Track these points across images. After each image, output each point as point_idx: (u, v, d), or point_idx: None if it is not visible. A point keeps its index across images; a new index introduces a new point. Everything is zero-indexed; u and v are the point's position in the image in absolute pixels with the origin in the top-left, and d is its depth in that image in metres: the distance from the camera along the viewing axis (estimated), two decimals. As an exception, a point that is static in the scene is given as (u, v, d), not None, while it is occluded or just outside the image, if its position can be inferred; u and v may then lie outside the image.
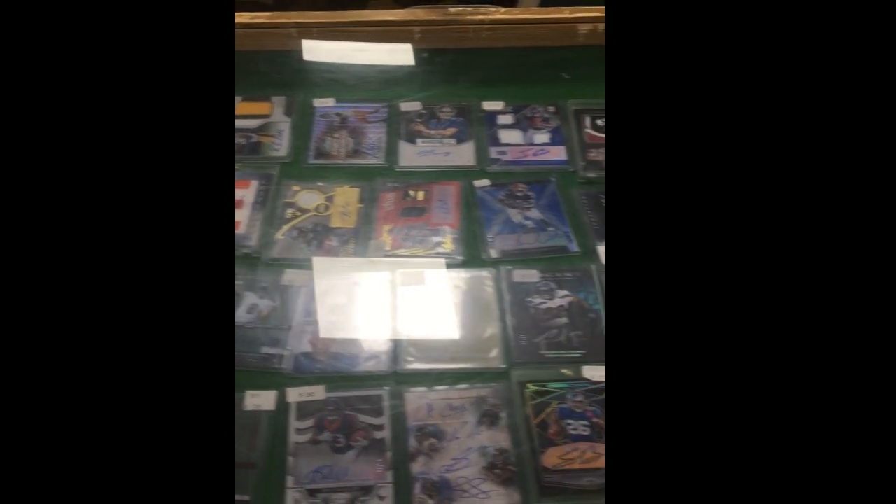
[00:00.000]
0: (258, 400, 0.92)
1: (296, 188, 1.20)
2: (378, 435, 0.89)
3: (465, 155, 1.27)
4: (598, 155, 1.25)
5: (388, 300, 1.04)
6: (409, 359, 0.97)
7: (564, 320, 1.02)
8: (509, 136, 1.30)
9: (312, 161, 1.25)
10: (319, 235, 1.13)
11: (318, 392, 0.93)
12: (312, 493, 0.83)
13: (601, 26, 1.30)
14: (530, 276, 1.08)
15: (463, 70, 1.40)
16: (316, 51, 1.37)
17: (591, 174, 1.22)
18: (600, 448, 0.87)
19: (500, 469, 0.86)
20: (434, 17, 1.29)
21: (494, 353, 0.98)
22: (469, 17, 1.29)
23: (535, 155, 1.27)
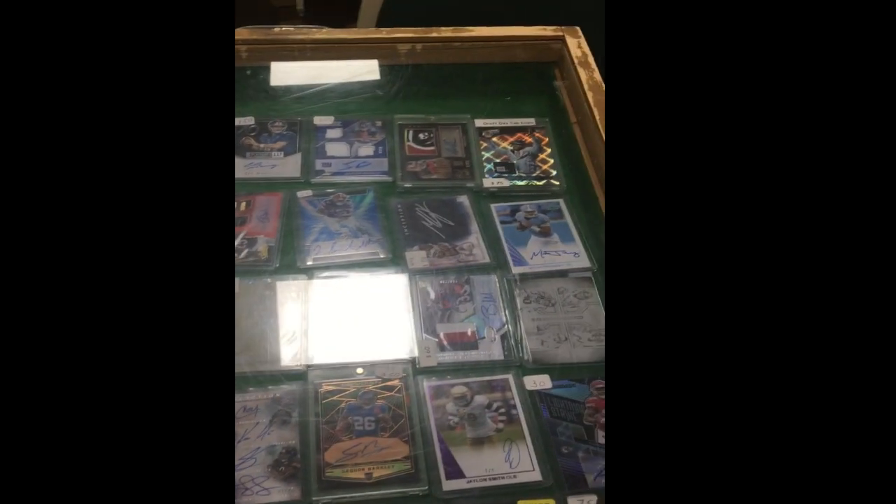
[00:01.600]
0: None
1: (114, 201, 1.21)
2: (169, 440, 0.91)
3: (291, 167, 1.32)
4: (416, 166, 1.32)
5: (197, 309, 1.07)
6: (209, 365, 1.00)
7: (366, 323, 1.08)
8: (336, 150, 1.35)
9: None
10: (133, 248, 1.15)
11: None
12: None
13: (419, 46, 1.37)
14: (341, 280, 1.13)
15: (296, 88, 1.44)
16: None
17: (408, 184, 1.29)
18: (383, 442, 0.93)
19: (284, 466, 0.90)
20: (258, 37, 1.33)
21: (294, 356, 1.02)
22: (293, 36, 1.34)
23: (357, 167, 1.33)
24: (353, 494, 0.87)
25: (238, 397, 0.96)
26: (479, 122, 1.41)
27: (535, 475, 0.90)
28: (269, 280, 1.12)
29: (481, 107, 1.43)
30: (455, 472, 0.90)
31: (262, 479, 0.88)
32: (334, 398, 0.97)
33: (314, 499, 0.87)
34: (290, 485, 0.88)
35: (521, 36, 1.43)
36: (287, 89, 1.44)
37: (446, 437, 0.94)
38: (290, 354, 1.02)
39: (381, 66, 1.43)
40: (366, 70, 1.46)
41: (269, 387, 0.98)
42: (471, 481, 0.89)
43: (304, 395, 0.97)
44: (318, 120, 1.40)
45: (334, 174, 1.31)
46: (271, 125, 1.39)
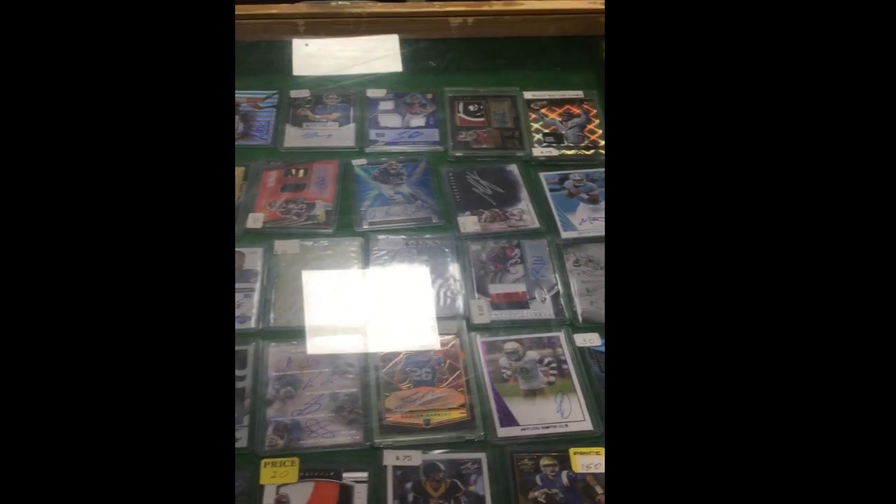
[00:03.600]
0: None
1: (181, 167, 1.28)
2: (239, 385, 0.97)
3: (346, 137, 1.36)
4: (467, 136, 1.36)
5: (260, 267, 1.13)
6: (273, 317, 1.06)
7: (422, 284, 1.12)
8: (388, 121, 1.40)
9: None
10: (200, 210, 1.21)
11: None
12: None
13: (470, 19, 1.40)
14: (395, 244, 1.18)
15: (349, 61, 1.49)
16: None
17: (459, 153, 1.33)
18: (439, 391, 0.97)
19: (347, 412, 0.95)
20: (315, 11, 1.38)
21: (353, 313, 1.07)
22: (348, 10, 1.38)
23: (410, 137, 1.37)
24: (413, 438, 0.92)
25: (301, 348, 1.02)
26: (528, 94, 1.43)
27: (586, 425, 0.94)
28: (326, 242, 1.17)
29: (530, 79, 1.46)
30: (509, 420, 0.94)
31: (326, 423, 0.94)
32: (391, 350, 1.02)
33: (376, 441, 0.92)
34: (352, 429, 0.93)
35: (571, 10, 1.45)
36: (341, 63, 1.49)
37: (500, 388, 0.98)
38: (348, 311, 1.07)
39: (432, 39, 1.47)
40: (416, 44, 1.49)
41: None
42: (524, 429, 0.93)
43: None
44: (371, 92, 1.44)
45: (387, 144, 1.36)
46: (326, 97, 1.44)
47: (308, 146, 1.34)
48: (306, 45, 1.46)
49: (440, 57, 1.48)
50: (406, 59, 1.48)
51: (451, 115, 1.40)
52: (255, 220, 1.20)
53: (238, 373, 0.99)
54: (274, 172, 1.28)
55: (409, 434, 0.93)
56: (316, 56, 1.49)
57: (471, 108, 1.42)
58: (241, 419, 0.94)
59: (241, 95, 1.42)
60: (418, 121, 1.40)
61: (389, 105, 1.43)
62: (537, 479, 0.88)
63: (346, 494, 0.87)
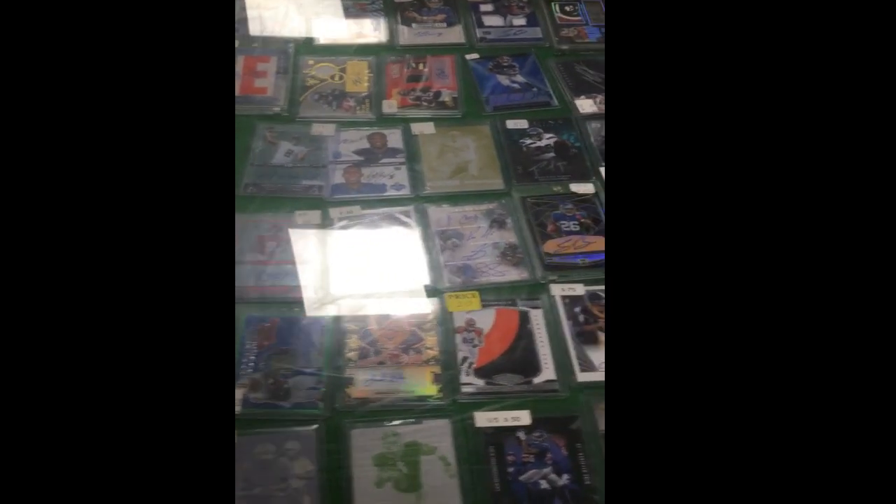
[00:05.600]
0: (306, 218, 1.10)
1: (311, 62, 1.37)
2: (409, 237, 1.09)
3: (455, 35, 1.46)
4: (569, 32, 1.46)
5: (404, 145, 1.23)
6: (428, 185, 1.16)
7: (551, 154, 1.23)
8: (491, 21, 1.49)
9: (323, 41, 1.43)
10: (338, 98, 1.31)
11: (355, 211, 1.12)
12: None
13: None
14: (521, 124, 1.28)
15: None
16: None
17: (564, 47, 1.43)
18: (589, 238, 1.09)
19: (510, 256, 1.07)
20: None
21: (497, 179, 1.18)
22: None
23: (514, 34, 1.47)
24: (572, 271, 1.05)
25: (458, 209, 1.13)
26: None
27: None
28: (453, 131, 1.27)
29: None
30: (656, 258, 1.07)
31: (494, 265, 1.05)
32: (539, 208, 1.13)
33: (541, 275, 1.04)
34: (518, 268, 1.05)
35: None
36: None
37: (641, 235, 1.10)
38: (494, 180, 1.18)
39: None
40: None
41: (485, 202, 1.14)
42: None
43: (513, 205, 1.14)
44: (471, -4, 1.54)
45: (494, 40, 1.45)
46: (428, 1, 1.53)
47: (422, 43, 1.44)
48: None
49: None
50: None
51: (550, 14, 1.50)
52: (389, 107, 1.30)
53: (406, 227, 1.10)
54: (396, 66, 1.38)
55: (569, 269, 1.05)
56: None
57: (567, 8, 1.51)
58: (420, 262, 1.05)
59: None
60: (520, 20, 1.49)
61: (489, 7, 1.52)
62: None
63: (524, 318, 0.99)
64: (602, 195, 1.16)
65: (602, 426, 0.88)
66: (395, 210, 1.13)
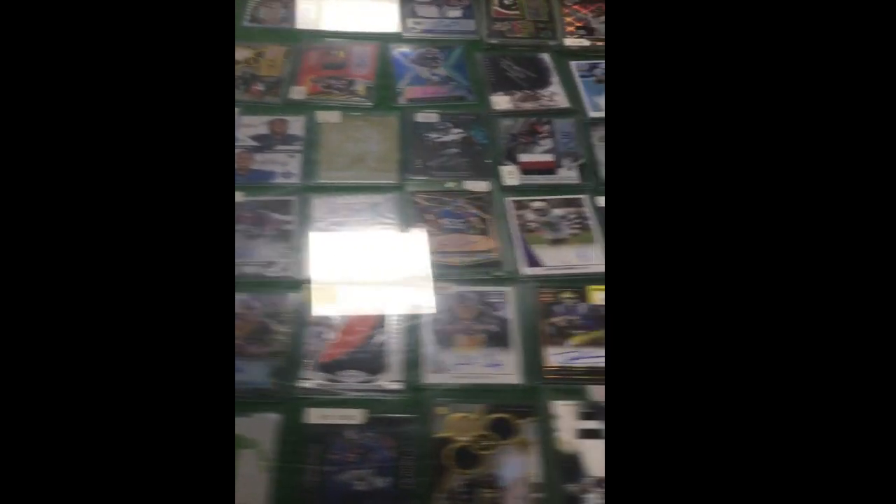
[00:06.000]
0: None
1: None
2: (286, 227, 1.06)
3: (387, 23, 1.42)
4: (502, 26, 1.41)
5: (305, 133, 1.20)
6: (322, 174, 1.13)
7: (455, 150, 1.19)
8: (425, 11, 1.45)
9: (247, 24, 1.40)
10: (248, 81, 1.28)
11: (238, 197, 1.10)
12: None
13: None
14: (431, 117, 1.24)
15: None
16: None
17: (493, 41, 1.39)
18: (472, 238, 1.05)
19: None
20: None
21: (393, 173, 1.15)
22: None
23: (447, 27, 1.42)
24: (447, 270, 1.01)
25: (348, 200, 1.10)
26: (561, -8, 1.48)
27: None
28: (359, 115, 1.24)
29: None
30: (534, 262, 1.02)
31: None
32: (429, 204, 1.10)
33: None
34: (390, 264, 1.02)
35: None
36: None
37: (527, 237, 1.05)
38: (389, 173, 1.15)
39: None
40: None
41: (376, 194, 1.11)
42: (548, 269, 1.01)
43: (402, 201, 1.10)
44: (408, -15, 1.50)
45: (424, 31, 1.42)
46: (365, -11, 1.50)
47: (348, 30, 1.41)
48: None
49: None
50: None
51: (487, 7, 1.45)
52: (298, 93, 1.27)
53: (284, 218, 1.07)
54: (315, 52, 1.35)
55: (447, 269, 1.01)
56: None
57: (506, 1, 1.47)
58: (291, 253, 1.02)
59: (283, -14, 1.49)
60: (455, 12, 1.45)
61: (426, -4, 1.49)
62: (558, 308, 0.96)
63: (382, 315, 0.96)
64: (496, 194, 1.11)
65: (437, 429, 0.84)
66: (279, 198, 1.10)
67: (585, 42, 1.38)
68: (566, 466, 0.81)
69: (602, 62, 1.35)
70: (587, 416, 0.85)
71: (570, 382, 0.89)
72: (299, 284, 0.98)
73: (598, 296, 0.97)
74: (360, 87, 1.29)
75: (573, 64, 1.35)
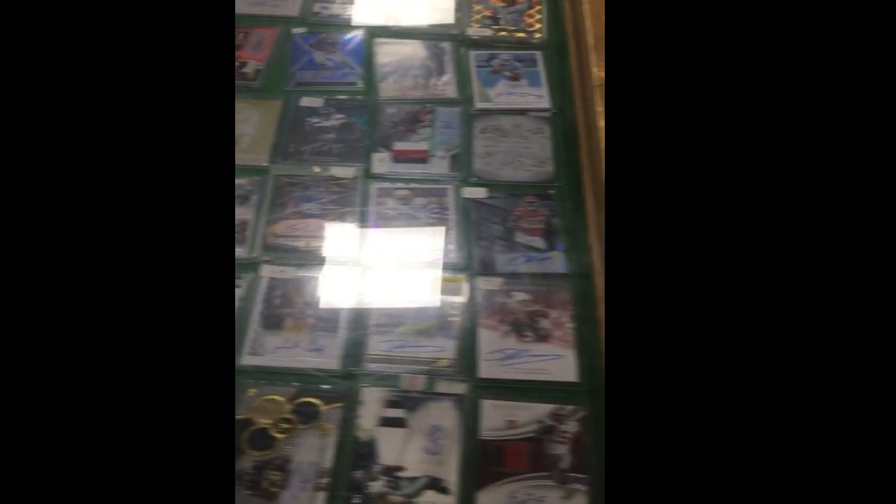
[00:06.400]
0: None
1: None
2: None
3: (290, 7, 1.42)
4: (406, 13, 1.41)
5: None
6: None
7: (332, 135, 1.19)
8: (333, -4, 1.45)
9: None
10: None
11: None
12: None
13: None
14: (316, 102, 1.24)
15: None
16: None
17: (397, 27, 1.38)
18: (328, 223, 1.05)
19: (237, 234, 1.04)
20: None
21: (264, 155, 1.15)
22: None
23: (353, 13, 1.42)
24: (291, 254, 1.01)
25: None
26: (474, -21, 1.46)
27: (454, 258, 1.01)
28: (243, 103, 1.24)
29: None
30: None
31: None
32: (288, 188, 1.10)
33: (257, 255, 1.01)
34: (239, 246, 1.02)
35: None
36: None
37: (384, 223, 1.06)
38: (260, 156, 1.15)
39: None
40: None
41: (241, 177, 1.11)
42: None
43: (264, 183, 1.10)
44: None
45: (329, 17, 1.41)
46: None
47: (252, 13, 1.41)
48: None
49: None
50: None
51: (395, -6, 1.44)
52: (189, 73, 1.27)
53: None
54: (216, 34, 1.35)
55: (292, 252, 1.01)
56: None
57: (415, -11, 1.46)
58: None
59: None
60: (363, -2, 1.45)
61: (336, -18, 1.48)
62: (393, 296, 0.96)
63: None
64: (362, 181, 1.11)
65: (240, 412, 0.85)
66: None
67: (488, 32, 1.37)
68: (359, 453, 0.81)
69: (501, 53, 1.33)
70: (393, 404, 0.85)
71: (387, 371, 0.89)
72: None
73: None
74: (249, 70, 1.29)
75: (472, 53, 1.34)
